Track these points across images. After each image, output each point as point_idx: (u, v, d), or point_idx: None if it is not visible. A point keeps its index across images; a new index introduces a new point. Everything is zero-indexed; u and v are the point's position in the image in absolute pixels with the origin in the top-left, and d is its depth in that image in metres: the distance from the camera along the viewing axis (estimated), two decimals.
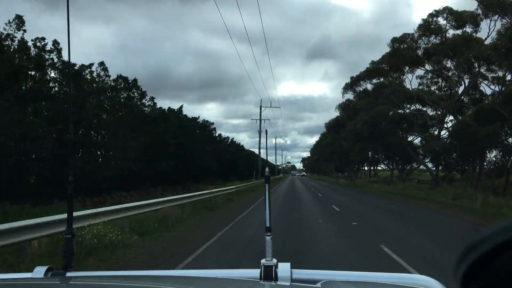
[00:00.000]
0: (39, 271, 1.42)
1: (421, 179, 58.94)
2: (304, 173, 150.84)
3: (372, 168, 73.93)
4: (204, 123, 39.07)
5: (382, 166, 72.36)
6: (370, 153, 71.21)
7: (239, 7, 50.44)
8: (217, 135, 44.53)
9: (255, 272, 1.39)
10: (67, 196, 1.65)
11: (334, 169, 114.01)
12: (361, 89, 45.72)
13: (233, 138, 54.80)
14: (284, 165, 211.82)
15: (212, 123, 39.75)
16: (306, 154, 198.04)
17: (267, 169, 1.81)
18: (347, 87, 45.51)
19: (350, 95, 47.92)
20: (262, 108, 69.75)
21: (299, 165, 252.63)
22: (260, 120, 69.46)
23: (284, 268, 1.37)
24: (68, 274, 1.47)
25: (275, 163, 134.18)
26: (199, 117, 39.04)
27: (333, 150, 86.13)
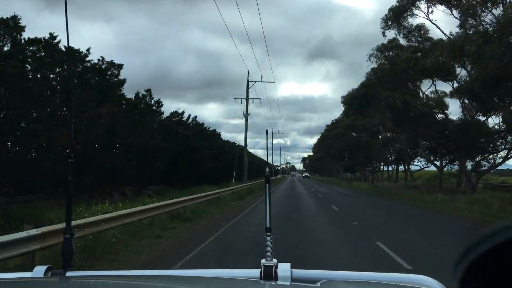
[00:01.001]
0: (39, 271, 1.39)
1: (496, 184, 38.00)
2: (307, 174, 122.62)
3: (404, 167, 53.19)
4: (107, 66, 17.86)
5: (419, 163, 51.75)
6: (399, 146, 50.37)
7: (238, 7, 36.44)
8: (153, 101, 23.34)
9: (255, 272, 1.38)
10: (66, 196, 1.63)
11: (342, 169, 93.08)
12: (414, 25, 24.96)
13: (196, 117, 33.75)
14: (283, 166, 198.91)
15: (120, 64, 18.26)
16: (306, 154, 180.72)
17: (267, 169, 1.84)
18: (393, 17, 24.52)
19: (392, 33, 26.51)
20: (251, 84, 49.10)
21: (298, 166, 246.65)
22: (247, 99, 48.73)
23: (284, 268, 1.35)
24: (68, 273, 1.44)
25: (271, 161, 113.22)
26: (103, 59, 17.99)
27: (344, 145, 65.33)
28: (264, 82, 49.71)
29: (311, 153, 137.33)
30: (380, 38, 27.99)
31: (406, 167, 52.15)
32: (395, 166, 59.01)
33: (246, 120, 48.46)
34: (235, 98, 47.62)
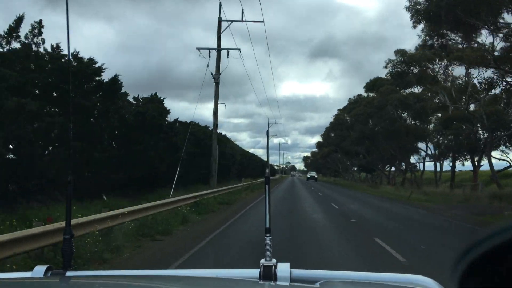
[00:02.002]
0: (39, 271, 1.38)
1: None
2: (314, 174, 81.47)
3: (473, 163, 32.92)
4: None
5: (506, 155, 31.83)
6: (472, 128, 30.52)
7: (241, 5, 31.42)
8: None
9: (254, 272, 1.36)
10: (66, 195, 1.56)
11: (357, 167, 72.92)
12: None
13: (91, 59, 13.70)
14: (283, 165, 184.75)
15: None
16: (308, 153, 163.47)
17: (267, 170, 1.89)
18: None
19: None
20: (226, 24, 29.44)
21: (299, 165, 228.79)
22: (219, 50, 29.36)
23: (283, 268, 1.34)
24: (68, 273, 1.43)
25: (269, 162, 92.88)
26: None
27: (367, 133, 45.66)
28: (246, 21, 29.45)
29: (315, 149, 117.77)
30: None
31: (476, 162, 32.04)
32: (448, 163, 38.89)
33: (217, 85, 28.71)
34: (198, 49, 27.72)
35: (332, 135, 69.67)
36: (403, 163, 48.28)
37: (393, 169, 56.53)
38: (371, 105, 39.98)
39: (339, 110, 57.97)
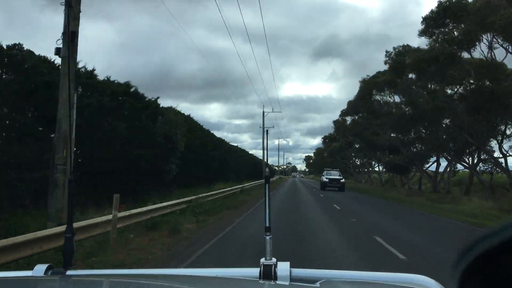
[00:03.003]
0: (40, 270, 1.36)
1: None
2: (339, 177, 38.54)
3: None
4: None
5: None
6: None
7: (239, 5, 29.61)
8: None
9: (254, 271, 1.34)
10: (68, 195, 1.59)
11: (385, 165, 53.07)
12: None
13: None
14: (284, 166, 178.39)
15: None
16: (309, 154, 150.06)
17: (267, 170, 1.93)
18: None
19: None
20: None
21: (300, 166, 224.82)
22: None
23: (283, 267, 1.32)
24: (69, 272, 1.41)
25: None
26: None
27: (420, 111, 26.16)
28: None
29: (321, 146, 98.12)
30: None
31: None
32: None
33: None
34: None
35: (348, 122, 50.00)
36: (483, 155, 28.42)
37: (437, 167, 36.37)
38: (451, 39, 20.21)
39: (363, 79, 38.03)
